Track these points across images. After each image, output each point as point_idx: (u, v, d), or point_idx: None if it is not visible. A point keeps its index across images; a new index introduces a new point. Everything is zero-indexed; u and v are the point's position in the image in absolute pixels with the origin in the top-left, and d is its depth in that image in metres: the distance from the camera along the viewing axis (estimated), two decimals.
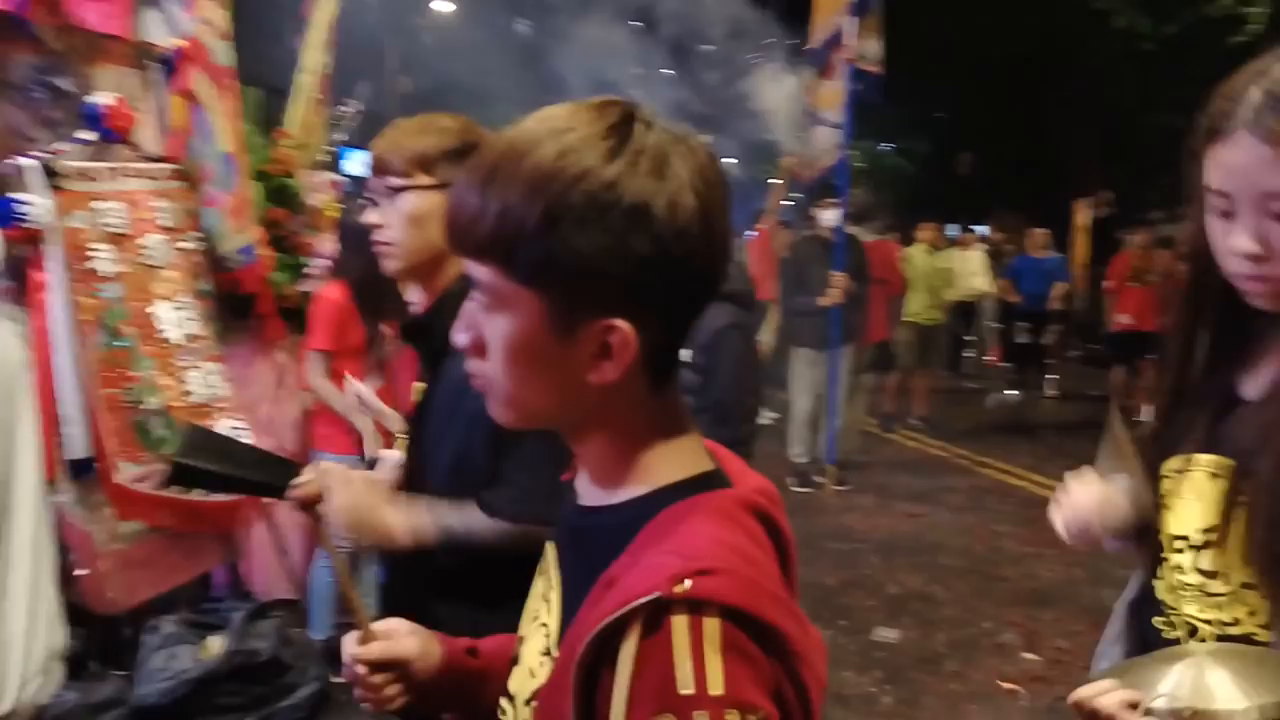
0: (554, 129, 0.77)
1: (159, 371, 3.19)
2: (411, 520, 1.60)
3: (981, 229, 13.68)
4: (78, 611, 3.07)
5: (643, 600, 0.70)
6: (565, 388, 0.81)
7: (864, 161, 20.57)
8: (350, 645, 1.09)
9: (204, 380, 3.35)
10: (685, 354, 2.83)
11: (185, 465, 1.64)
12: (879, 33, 6.60)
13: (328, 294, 3.66)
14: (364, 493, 1.61)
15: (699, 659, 0.69)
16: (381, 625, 1.12)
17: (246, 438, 3.17)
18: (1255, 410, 1.17)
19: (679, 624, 0.70)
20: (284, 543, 3.81)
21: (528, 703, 0.86)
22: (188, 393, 3.28)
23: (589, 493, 0.89)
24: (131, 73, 3.46)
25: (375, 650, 1.08)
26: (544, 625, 0.89)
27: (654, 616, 0.70)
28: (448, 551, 1.62)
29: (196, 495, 3.25)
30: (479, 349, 0.82)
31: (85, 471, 2.98)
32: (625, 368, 0.79)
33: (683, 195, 0.76)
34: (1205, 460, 1.20)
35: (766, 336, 8.15)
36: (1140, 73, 15.13)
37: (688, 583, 0.70)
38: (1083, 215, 12.25)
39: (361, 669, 1.07)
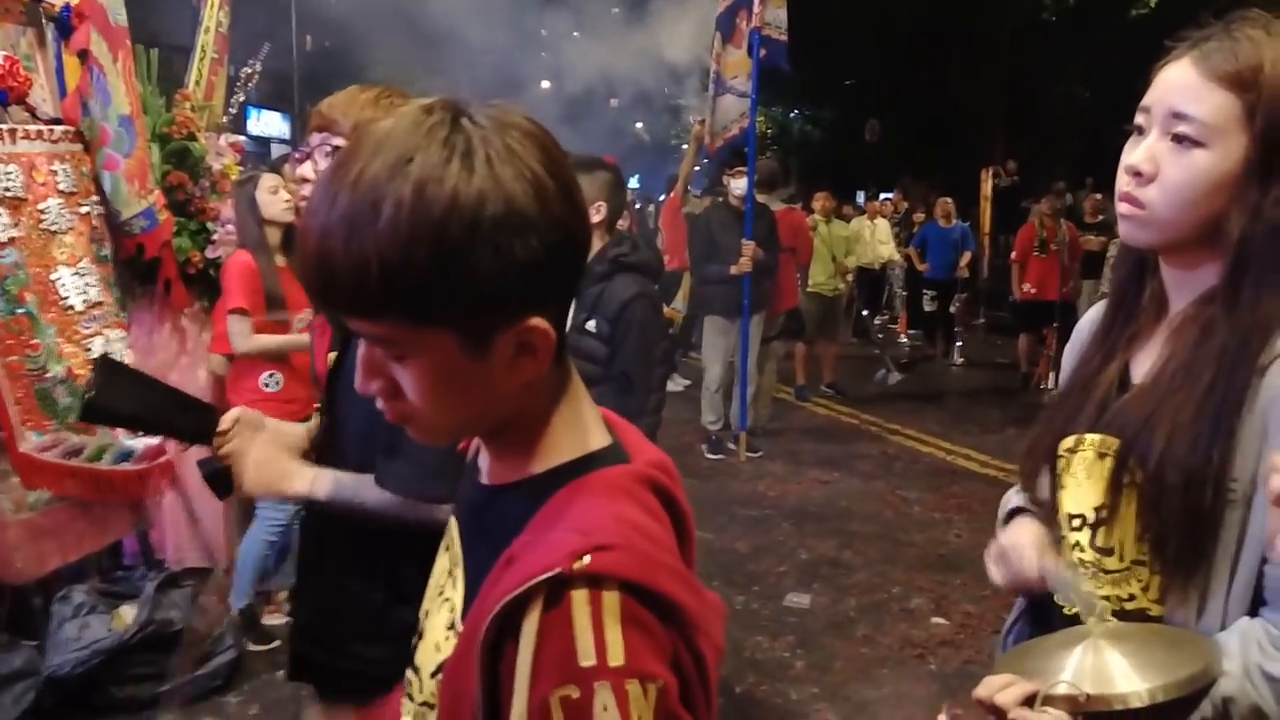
0: (396, 161, 0.73)
1: (61, 339, 3.10)
2: (308, 474, 1.63)
3: (888, 196, 13.91)
4: None
5: (544, 576, 0.72)
6: (491, 398, 0.82)
7: (772, 128, 20.75)
8: None
9: (107, 347, 3.26)
10: (592, 324, 2.87)
11: (99, 405, 1.61)
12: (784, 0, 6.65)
13: (237, 258, 3.63)
14: (268, 439, 1.65)
15: (599, 632, 0.71)
16: None
17: None
18: (1142, 392, 1.19)
19: (579, 598, 0.72)
20: (195, 510, 3.75)
21: (433, 675, 0.88)
22: (91, 360, 3.19)
23: (491, 471, 0.90)
24: (25, 31, 3.33)
25: None
26: (448, 600, 0.91)
27: (554, 592, 0.72)
28: (354, 524, 1.64)
29: (105, 464, 3.19)
30: (391, 392, 0.81)
31: None
32: (549, 360, 0.81)
33: (541, 182, 0.76)
34: (1094, 440, 1.23)
35: (680, 304, 8.21)
36: (1045, 43, 15.52)
37: (587, 558, 0.72)
38: (988, 184, 12.59)
39: None
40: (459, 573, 0.91)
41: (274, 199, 3.60)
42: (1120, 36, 12.92)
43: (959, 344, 10.80)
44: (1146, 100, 1.16)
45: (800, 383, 8.75)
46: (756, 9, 6.41)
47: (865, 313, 11.40)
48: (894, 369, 9.75)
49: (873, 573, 4.78)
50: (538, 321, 0.78)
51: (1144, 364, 1.23)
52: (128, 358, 3.37)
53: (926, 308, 10.70)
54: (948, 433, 7.51)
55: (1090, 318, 1.38)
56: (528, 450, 0.86)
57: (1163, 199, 1.13)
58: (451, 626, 0.88)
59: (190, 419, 1.66)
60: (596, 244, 2.94)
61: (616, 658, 0.71)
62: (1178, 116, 1.12)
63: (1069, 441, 1.26)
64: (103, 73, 3.27)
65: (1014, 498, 1.41)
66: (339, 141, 1.63)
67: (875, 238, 10.96)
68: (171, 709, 3.26)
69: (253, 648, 3.64)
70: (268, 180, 3.62)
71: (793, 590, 4.55)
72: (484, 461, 0.91)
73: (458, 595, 0.89)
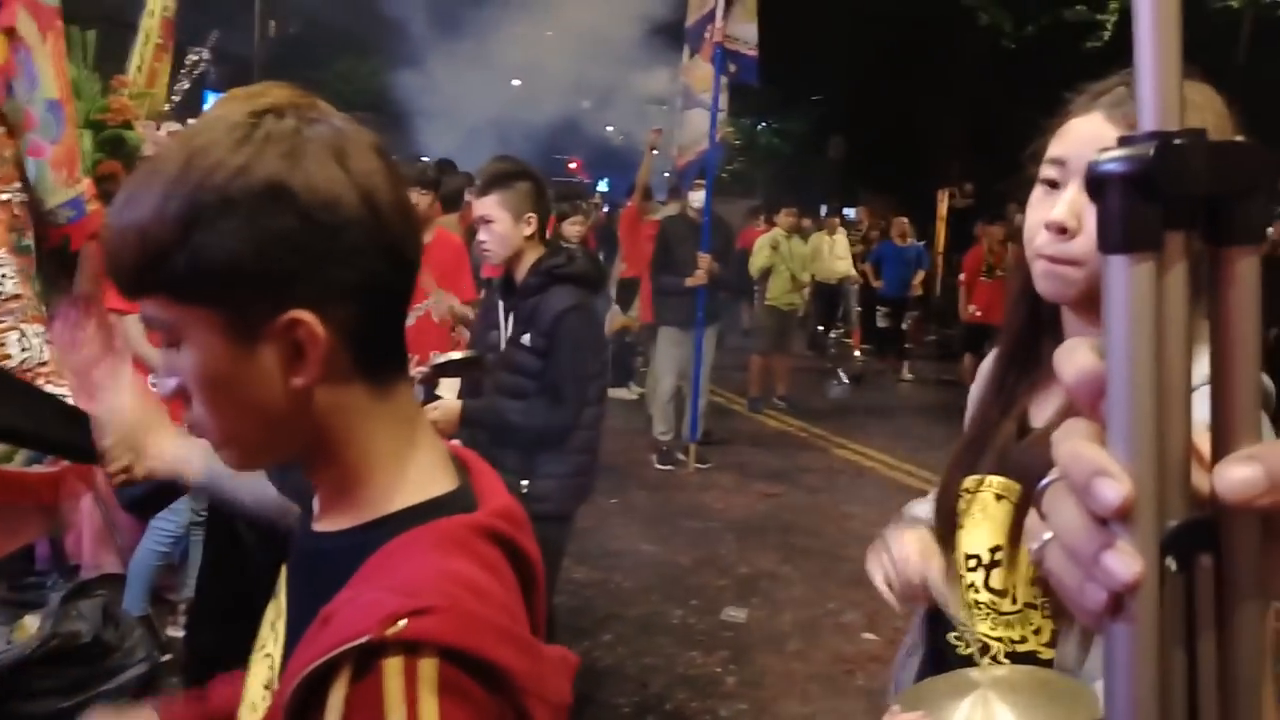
0: (188, 135, 0.74)
1: None
2: (187, 453, 1.52)
3: (850, 212, 14.06)
4: None
5: (352, 644, 0.66)
6: (271, 405, 0.76)
7: (740, 138, 20.87)
8: None
9: (25, 343, 3.14)
10: (527, 338, 2.82)
11: None
12: (755, 15, 6.66)
13: None
14: (149, 411, 1.54)
15: (412, 704, 0.66)
16: None
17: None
18: (1041, 437, 1.18)
19: (392, 667, 0.66)
20: (112, 515, 3.63)
21: None
22: (7, 356, 3.07)
23: (319, 515, 0.84)
24: None
25: None
26: (269, 655, 0.84)
27: (365, 659, 0.66)
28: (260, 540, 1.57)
29: (15, 465, 3.07)
30: (185, 395, 0.77)
31: None
32: (321, 361, 0.75)
33: (322, 167, 0.73)
34: (994, 482, 1.23)
35: (635, 313, 8.20)
36: (1003, 70, 15.78)
37: (402, 623, 0.66)
38: (945, 204, 12.74)
39: None
40: (280, 626, 0.84)
41: None
42: (1075, 66, 13.11)
43: (907, 361, 10.92)
44: (1059, 152, 1.12)
45: (754, 395, 8.79)
46: (719, 24, 6.41)
47: (820, 328, 11.48)
48: (845, 379, 9.81)
49: (810, 587, 4.81)
50: (304, 314, 0.73)
51: (1043, 410, 1.23)
52: (48, 354, 3.26)
53: (880, 324, 10.82)
54: (892, 448, 7.58)
55: (993, 359, 1.36)
56: (356, 493, 0.80)
57: (1094, 253, 1.07)
58: (269, 685, 0.82)
59: (75, 433, 1.58)
60: (530, 256, 2.90)
61: None
62: None
63: (970, 482, 1.26)
64: (29, 53, 3.15)
65: (914, 508, 1.43)
66: None
67: (833, 253, 11.04)
68: None
69: (164, 658, 3.51)
70: None
71: (731, 604, 4.56)
72: (316, 505, 0.85)
73: (277, 651, 0.83)
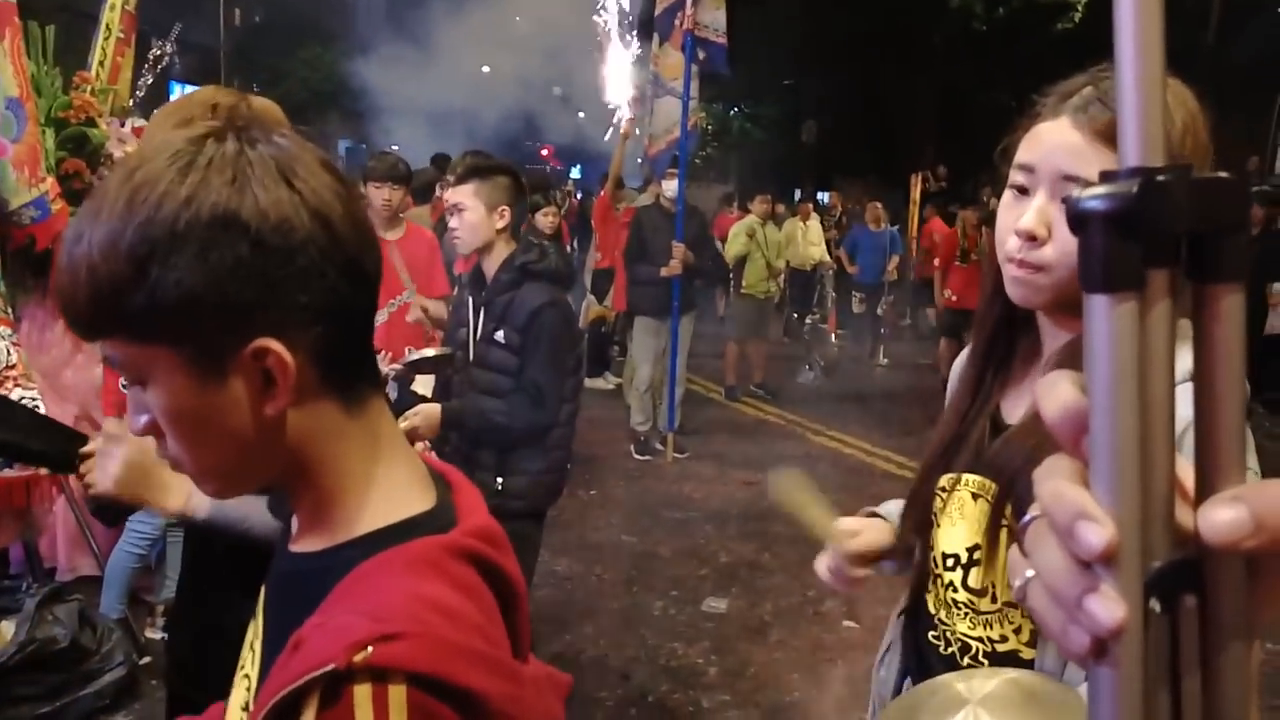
0: (129, 168, 0.72)
1: None
2: (186, 489, 1.51)
3: (824, 197, 14.09)
4: None
5: (319, 672, 0.65)
6: (245, 435, 0.75)
7: (712, 124, 20.86)
8: None
9: None
10: (500, 335, 2.79)
11: None
12: (723, 1, 6.61)
13: None
14: (146, 449, 1.51)
15: None
16: None
17: (38, 406, 2.96)
18: (1016, 435, 1.18)
19: (361, 695, 0.65)
20: (87, 517, 3.59)
21: None
22: None
23: (296, 535, 0.83)
24: None
25: None
26: (247, 677, 0.84)
27: (334, 685, 0.65)
28: (241, 552, 1.55)
29: None
30: (158, 430, 0.76)
31: None
32: (291, 387, 0.74)
33: (270, 190, 0.71)
34: (970, 480, 1.22)
35: (610, 303, 8.18)
36: (975, 53, 15.88)
37: (370, 649, 0.66)
38: (918, 188, 12.79)
39: None
40: (258, 646, 0.83)
41: None
42: (1046, 48, 13.30)
43: (883, 346, 10.96)
44: (1028, 159, 1.12)
45: (730, 383, 8.77)
46: (689, 10, 6.38)
47: (795, 314, 11.51)
48: (817, 368, 9.83)
49: (789, 576, 4.81)
50: (270, 341, 0.72)
51: (1016, 407, 1.23)
52: (15, 356, 3.20)
53: (855, 309, 10.85)
54: (869, 434, 7.58)
55: (967, 357, 1.37)
56: (330, 513, 0.79)
57: (1063, 260, 1.10)
58: (246, 707, 0.81)
59: (48, 442, 1.55)
60: (503, 251, 2.87)
61: None
62: (1069, 179, 1.09)
63: (946, 480, 1.26)
64: None
65: (886, 508, 1.44)
66: None
67: (807, 239, 11.04)
68: None
69: (143, 660, 3.45)
70: None
71: (711, 594, 4.56)
72: (294, 525, 0.84)
73: (254, 672, 0.82)
